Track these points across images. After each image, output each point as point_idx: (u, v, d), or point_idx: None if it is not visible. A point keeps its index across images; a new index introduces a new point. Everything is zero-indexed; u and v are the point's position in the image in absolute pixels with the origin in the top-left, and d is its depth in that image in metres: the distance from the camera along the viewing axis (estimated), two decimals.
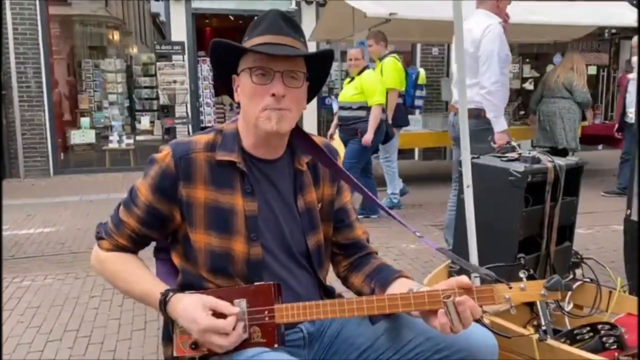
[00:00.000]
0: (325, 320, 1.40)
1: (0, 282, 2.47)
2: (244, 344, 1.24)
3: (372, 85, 5.02)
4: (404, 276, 1.35)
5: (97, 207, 6.10)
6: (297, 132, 1.36)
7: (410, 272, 1.78)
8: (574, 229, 1.96)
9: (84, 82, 9.25)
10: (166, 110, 8.86)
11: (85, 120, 9.05)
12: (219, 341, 1.17)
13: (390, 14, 6.01)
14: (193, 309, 1.20)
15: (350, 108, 5.08)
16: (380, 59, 5.65)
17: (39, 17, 8.05)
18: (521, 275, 1.11)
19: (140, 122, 9.26)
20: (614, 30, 10.02)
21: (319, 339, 1.39)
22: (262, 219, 1.30)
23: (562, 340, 1.68)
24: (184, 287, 1.32)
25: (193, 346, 1.26)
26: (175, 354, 1.29)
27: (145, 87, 9.33)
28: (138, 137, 9.14)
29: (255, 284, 1.27)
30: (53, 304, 3.30)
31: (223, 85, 1.37)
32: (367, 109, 4.98)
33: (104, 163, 8.95)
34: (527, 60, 11.30)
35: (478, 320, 1.42)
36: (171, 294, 1.24)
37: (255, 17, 1.36)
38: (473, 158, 1.79)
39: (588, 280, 1.96)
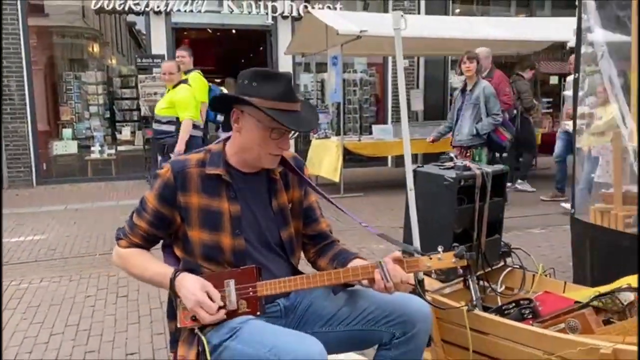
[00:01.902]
0: (297, 296, 1.77)
1: (0, 286, 2.76)
2: (234, 313, 1.60)
3: (185, 99, 4.93)
4: (359, 257, 1.73)
5: (83, 216, 6.37)
6: None
7: None
8: (502, 224, 2.37)
9: (65, 94, 9.49)
10: (147, 121, 9.15)
11: (67, 131, 9.28)
12: (204, 315, 1.54)
13: (361, 31, 6.43)
14: (194, 285, 1.56)
15: (159, 122, 5.05)
16: (186, 73, 5.54)
17: (21, 31, 8.28)
18: (439, 249, 1.50)
19: (121, 133, 9.51)
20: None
21: (293, 311, 1.76)
22: (244, 218, 1.66)
23: (493, 313, 2.07)
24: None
25: (193, 318, 1.61)
26: (178, 325, 1.65)
27: (125, 99, 9.60)
28: (119, 148, 9.39)
29: (241, 267, 1.63)
30: (52, 303, 3.60)
31: (220, 108, 1.75)
32: (176, 123, 4.92)
33: (86, 173, 9.17)
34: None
35: (419, 295, 1.83)
36: (179, 272, 1.60)
37: (265, 71, 1.65)
38: (418, 167, 2.20)
39: (517, 266, 2.37)
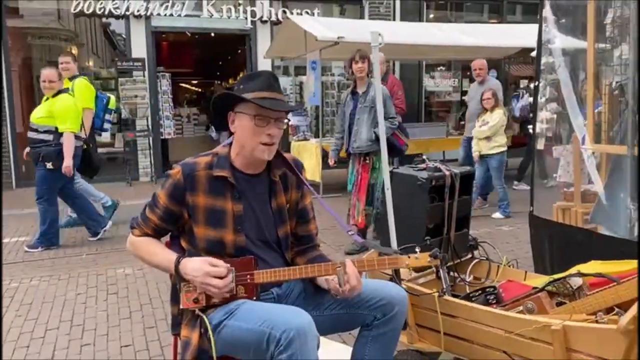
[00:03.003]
0: (288, 286, 1.98)
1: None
2: (233, 298, 1.80)
3: (64, 110, 4.80)
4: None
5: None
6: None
7: None
8: (470, 220, 2.61)
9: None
10: (127, 124, 9.23)
11: None
12: (215, 282, 1.72)
13: (339, 38, 6.65)
14: (197, 263, 1.76)
15: (36, 130, 4.86)
16: (71, 79, 5.43)
17: None
18: (416, 250, 1.73)
19: (101, 135, 9.52)
20: None
21: (285, 299, 1.96)
22: (246, 216, 1.86)
23: (462, 300, 2.30)
24: None
25: (195, 300, 1.81)
26: (181, 307, 1.84)
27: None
28: (100, 150, 9.38)
29: (240, 257, 1.83)
30: (44, 300, 3.72)
31: (217, 116, 1.92)
32: (54, 133, 4.79)
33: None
34: (468, 73, 12.23)
35: (396, 282, 2.05)
36: (182, 258, 1.80)
37: (250, 73, 1.91)
38: (394, 168, 2.43)
39: (484, 258, 2.61)
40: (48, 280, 4.16)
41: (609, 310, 1.85)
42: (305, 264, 1.96)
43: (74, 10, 8.70)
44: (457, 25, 9.51)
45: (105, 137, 9.44)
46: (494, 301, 2.22)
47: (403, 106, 6.33)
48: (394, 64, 10.47)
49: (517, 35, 8.40)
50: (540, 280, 2.25)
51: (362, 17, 10.36)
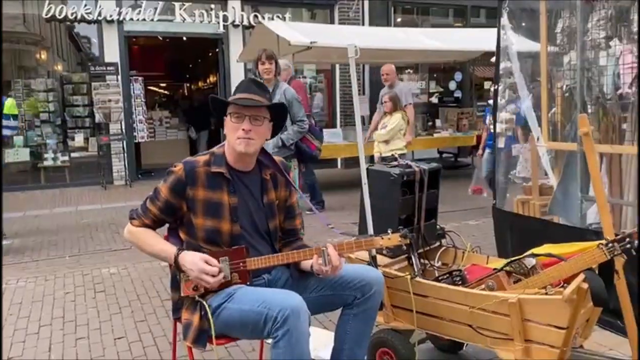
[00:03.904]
0: (277, 272, 2.20)
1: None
2: (228, 284, 2.02)
3: None
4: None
5: (44, 222, 6.51)
6: (264, 154, 2.18)
7: None
8: (437, 211, 2.88)
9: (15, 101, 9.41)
10: (101, 128, 9.27)
11: (18, 139, 9.23)
12: (207, 279, 1.94)
13: (312, 42, 6.90)
14: (195, 258, 1.97)
15: None
16: None
17: None
18: (388, 231, 1.98)
19: (74, 140, 9.56)
20: None
21: (275, 284, 2.18)
22: (240, 208, 2.08)
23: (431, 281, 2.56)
24: None
25: (194, 288, 2.02)
26: (182, 294, 2.04)
27: (77, 106, 9.65)
28: (73, 154, 9.43)
29: (233, 247, 2.05)
30: (33, 300, 3.85)
31: (219, 122, 2.16)
32: None
33: (39, 180, 9.19)
34: (435, 76, 12.65)
35: (376, 265, 2.29)
36: (181, 251, 2.00)
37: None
38: (369, 166, 2.69)
39: (450, 245, 2.88)
40: (34, 281, 4.27)
41: (557, 285, 2.14)
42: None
43: (46, 15, 8.71)
44: (423, 30, 9.87)
45: (79, 142, 9.54)
46: (460, 282, 2.49)
47: (306, 110, 6.19)
48: (363, 67, 10.77)
49: (480, 39, 8.79)
50: (500, 262, 2.53)
51: (332, 21, 10.63)
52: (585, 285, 1.96)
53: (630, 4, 3.08)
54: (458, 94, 12.10)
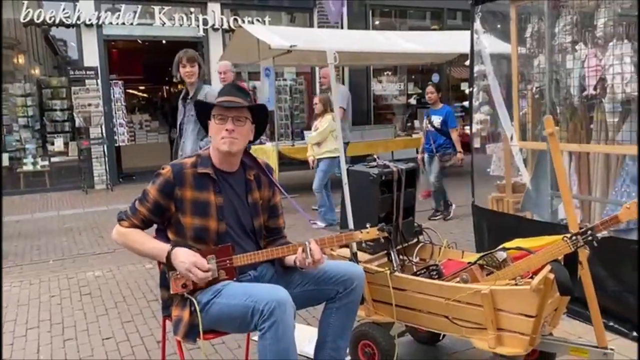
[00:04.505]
0: (263, 269, 2.30)
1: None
2: (215, 280, 2.11)
3: None
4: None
5: (26, 227, 6.50)
6: (247, 155, 2.28)
7: None
8: (415, 209, 3.01)
9: None
10: (81, 132, 9.24)
11: None
12: (197, 272, 2.02)
13: (292, 46, 7.00)
14: (186, 255, 2.05)
15: None
16: None
17: None
18: (367, 225, 2.09)
19: (53, 144, 9.51)
20: None
21: (261, 280, 2.28)
22: (226, 207, 2.17)
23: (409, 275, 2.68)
24: None
25: (183, 285, 2.11)
26: (171, 292, 2.13)
27: (56, 110, 9.60)
28: (53, 159, 9.38)
29: (219, 245, 2.14)
30: (19, 303, 3.87)
31: (204, 125, 2.26)
32: None
33: (19, 185, 9.12)
34: (413, 77, 12.87)
35: (357, 261, 2.39)
36: (173, 248, 2.08)
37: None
38: (350, 166, 2.81)
39: (427, 242, 3.01)
40: (19, 285, 4.29)
41: (526, 276, 2.28)
42: None
43: (24, 19, 8.66)
44: (401, 32, 10.05)
45: (58, 146, 9.50)
46: (437, 276, 2.61)
47: None
48: (343, 70, 10.91)
49: (456, 41, 8.96)
50: (474, 257, 2.66)
51: (311, 24, 10.76)
52: (552, 276, 2.10)
53: (593, 10, 3.25)
54: None
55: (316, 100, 6.31)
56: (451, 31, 9.78)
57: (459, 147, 6.21)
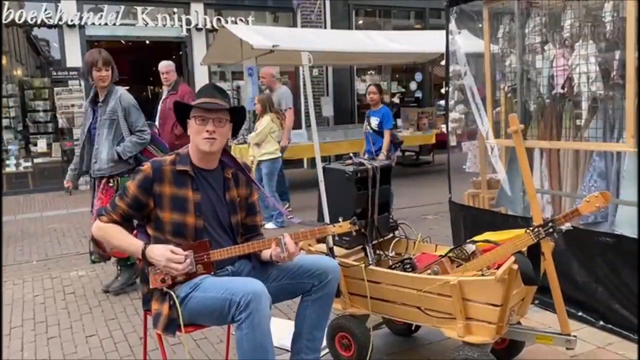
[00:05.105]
0: (240, 264, 2.37)
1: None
2: (193, 275, 2.18)
3: None
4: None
5: (10, 228, 6.49)
6: (226, 154, 2.35)
7: None
8: (390, 205, 3.11)
9: None
10: (64, 133, 9.22)
11: None
12: (175, 266, 2.10)
13: (274, 46, 7.08)
14: (161, 249, 2.12)
15: None
16: None
17: None
18: (339, 219, 2.18)
19: (36, 145, 9.48)
20: None
21: (238, 275, 2.35)
22: (204, 204, 2.25)
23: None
24: None
25: (162, 280, 2.18)
26: (151, 287, 2.19)
27: (38, 111, 9.56)
28: (36, 160, 9.35)
29: (198, 241, 2.22)
30: (2, 303, 3.90)
31: (181, 123, 2.34)
32: None
33: (1, 186, 9.05)
34: (397, 76, 13.00)
35: (334, 256, 2.48)
36: (147, 244, 2.16)
37: (201, 88, 2.36)
38: (326, 165, 2.90)
39: (402, 237, 3.10)
40: (2, 285, 4.31)
41: (493, 267, 2.38)
42: None
43: (5, 20, 8.60)
44: (383, 32, 10.16)
45: (41, 147, 9.47)
46: (410, 269, 2.71)
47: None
48: (326, 69, 11.00)
49: (438, 40, 9.05)
50: (445, 250, 2.77)
51: (294, 24, 10.82)
52: (515, 267, 2.20)
53: (560, 12, 3.37)
54: (419, 94, 12.46)
55: (256, 100, 6.30)
56: (433, 31, 9.91)
57: (384, 150, 5.92)
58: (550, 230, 2.20)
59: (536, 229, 2.22)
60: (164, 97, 6.12)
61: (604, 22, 3.09)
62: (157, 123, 5.94)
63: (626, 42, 2.87)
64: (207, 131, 2.20)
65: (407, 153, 11.19)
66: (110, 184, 3.90)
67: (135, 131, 3.91)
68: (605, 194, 2.17)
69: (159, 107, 6.12)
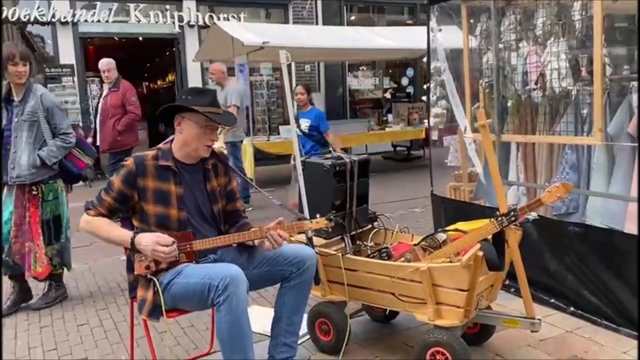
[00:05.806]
0: (222, 253, 2.50)
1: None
2: (176, 263, 2.31)
3: None
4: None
5: None
6: None
7: None
8: (368, 197, 3.23)
9: None
10: None
11: None
12: (162, 249, 2.21)
13: (264, 43, 7.19)
14: (148, 236, 2.25)
15: None
16: None
17: None
18: (317, 215, 2.31)
19: None
20: None
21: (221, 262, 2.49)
22: (186, 196, 2.37)
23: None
24: None
25: (147, 267, 2.30)
26: (135, 273, 2.32)
27: None
28: None
29: (181, 232, 2.34)
30: None
31: (162, 118, 2.44)
32: None
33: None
34: (390, 72, 13.12)
35: (312, 246, 2.61)
36: (137, 233, 2.28)
37: (197, 88, 2.51)
38: (305, 159, 3.03)
39: (381, 227, 3.24)
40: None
41: (461, 254, 2.52)
42: (236, 232, 2.50)
43: None
44: (375, 28, 10.27)
45: None
46: (386, 257, 2.85)
47: (138, 112, 6.04)
48: (318, 65, 11.11)
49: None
50: (419, 239, 2.90)
51: (286, 20, 10.93)
52: (480, 253, 2.34)
53: (534, 10, 3.50)
54: (410, 89, 12.59)
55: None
56: (424, 27, 10.00)
57: (338, 148, 5.21)
58: (513, 218, 2.33)
59: (500, 218, 2.36)
60: (104, 94, 6.19)
61: (573, 20, 3.22)
62: (97, 120, 6.10)
63: (593, 39, 3.00)
64: (212, 140, 2.38)
65: (398, 148, 11.33)
66: (34, 192, 3.60)
67: (59, 134, 3.60)
68: (566, 185, 2.31)
69: (100, 105, 6.17)
